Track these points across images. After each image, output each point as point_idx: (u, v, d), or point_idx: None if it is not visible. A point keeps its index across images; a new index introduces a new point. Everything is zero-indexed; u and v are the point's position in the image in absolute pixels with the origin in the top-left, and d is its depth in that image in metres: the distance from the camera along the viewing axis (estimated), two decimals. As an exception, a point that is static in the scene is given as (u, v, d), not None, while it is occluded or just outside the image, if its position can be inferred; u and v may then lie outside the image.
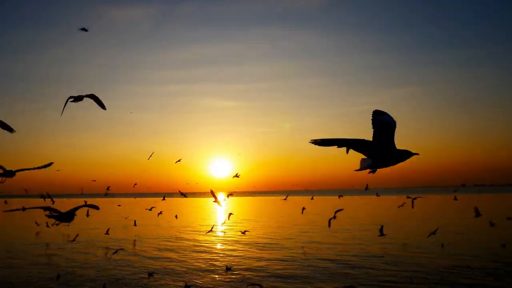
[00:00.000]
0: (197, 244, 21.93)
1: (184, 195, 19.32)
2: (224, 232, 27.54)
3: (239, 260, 16.75)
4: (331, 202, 65.77)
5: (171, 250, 19.68)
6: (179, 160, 13.53)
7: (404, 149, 3.32)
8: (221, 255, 18.25)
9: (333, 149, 3.17)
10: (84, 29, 10.56)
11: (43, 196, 17.04)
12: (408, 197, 20.11)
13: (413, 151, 3.33)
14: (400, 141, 3.32)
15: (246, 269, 14.79)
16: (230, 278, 13.59)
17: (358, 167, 3.46)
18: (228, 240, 23.36)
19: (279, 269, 14.66)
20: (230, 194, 31.19)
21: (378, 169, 3.41)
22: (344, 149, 3.35)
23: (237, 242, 22.30)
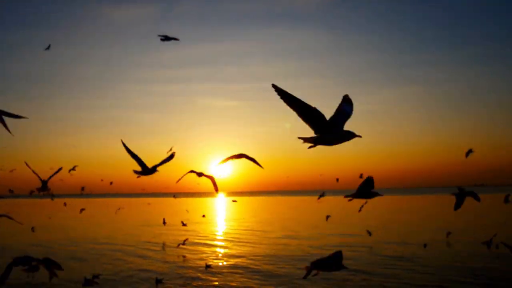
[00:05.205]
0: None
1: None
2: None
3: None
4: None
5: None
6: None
7: (348, 130, 3.34)
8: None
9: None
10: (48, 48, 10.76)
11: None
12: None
13: (356, 133, 3.33)
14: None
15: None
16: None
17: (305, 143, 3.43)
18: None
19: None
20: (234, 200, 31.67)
21: (318, 145, 3.36)
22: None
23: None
